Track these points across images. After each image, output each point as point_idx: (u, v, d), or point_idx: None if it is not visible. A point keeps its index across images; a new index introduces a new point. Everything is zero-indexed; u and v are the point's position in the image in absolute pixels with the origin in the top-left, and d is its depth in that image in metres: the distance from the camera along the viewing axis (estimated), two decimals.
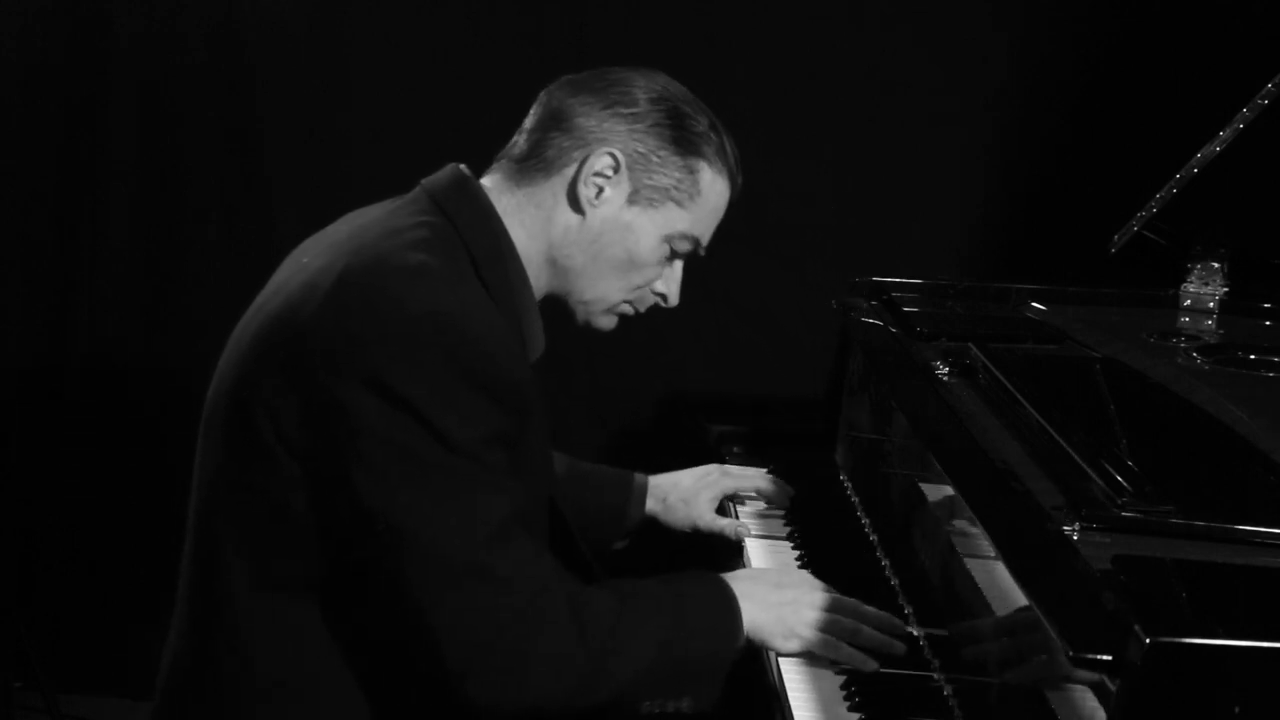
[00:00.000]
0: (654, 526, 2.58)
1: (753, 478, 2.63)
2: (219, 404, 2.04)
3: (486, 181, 2.13)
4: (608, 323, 2.17)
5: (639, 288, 2.14)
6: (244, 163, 3.72)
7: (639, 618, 1.98)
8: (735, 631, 2.05)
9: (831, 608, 2.11)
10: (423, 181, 2.12)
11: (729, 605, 2.06)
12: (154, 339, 3.79)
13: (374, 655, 1.98)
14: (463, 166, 2.12)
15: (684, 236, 2.13)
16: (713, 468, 2.62)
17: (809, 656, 2.13)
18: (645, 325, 3.55)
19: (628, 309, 2.17)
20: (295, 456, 1.92)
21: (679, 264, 2.17)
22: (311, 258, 2.05)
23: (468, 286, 1.98)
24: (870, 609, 2.15)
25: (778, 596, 2.11)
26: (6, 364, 3.80)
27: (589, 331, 2.22)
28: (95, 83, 3.69)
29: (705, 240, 2.16)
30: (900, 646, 2.11)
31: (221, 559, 2.00)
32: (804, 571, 2.29)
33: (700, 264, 3.18)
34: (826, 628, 2.10)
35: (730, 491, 2.59)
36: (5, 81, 3.69)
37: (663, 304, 2.18)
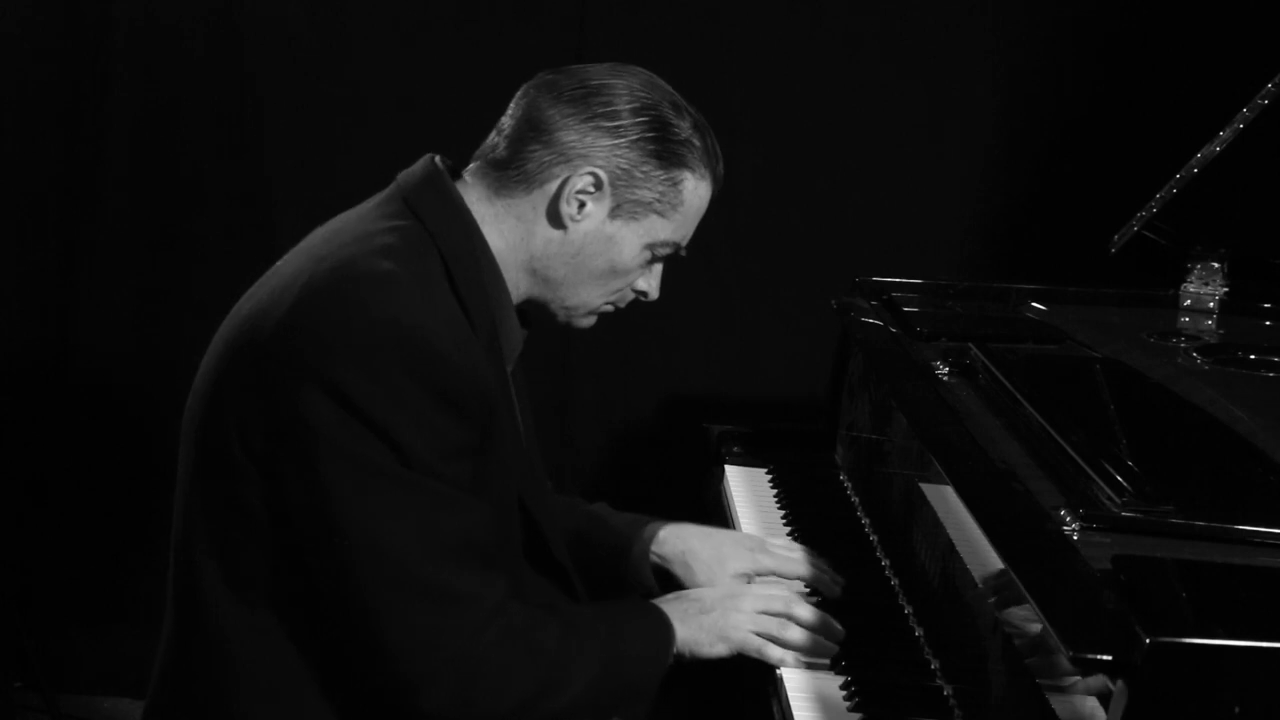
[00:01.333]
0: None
1: (795, 562, 2.34)
2: (194, 411, 2.04)
3: (465, 180, 2.10)
4: (588, 323, 2.16)
5: (619, 290, 2.13)
6: (244, 162, 3.72)
7: (581, 644, 1.99)
8: (667, 653, 2.08)
9: (758, 608, 2.13)
10: (399, 177, 2.10)
11: (664, 630, 2.08)
12: (153, 341, 3.79)
13: (343, 659, 1.98)
14: (438, 159, 2.10)
15: (665, 243, 2.10)
16: (753, 539, 2.41)
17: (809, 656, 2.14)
18: (645, 326, 3.58)
19: (609, 309, 2.16)
20: (257, 463, 1.92)
21: (660, 263, 2.15)
22: (284, 263, 2.05)
23: (436, 294, 1.96)
24: (805, 608, 2.15)
25: (700, 607, 2.13)
26: (6, 365, 3.80)
27: (580, 332, 2.22)
28: (95, 83, 3.69)
29: (685, 242, 2.14)
30: (831, 647, 2.13)
31: (197, 561, 2.01)
32: (735, 580, 2.30)
33: (700, 264, 3.18)
34: (752, 627, 2.11)
35: (768, 572, 2.33)
36: (4, 82, 3.69)
37: (643, 299, 2.16)
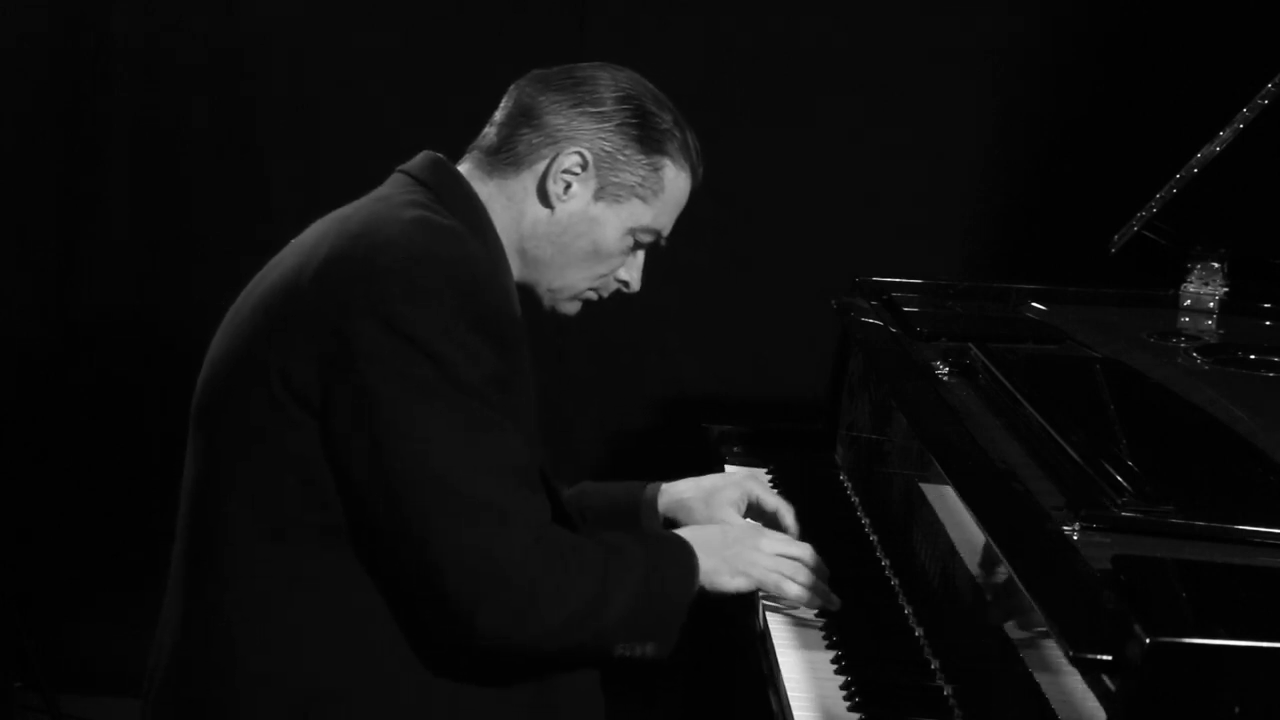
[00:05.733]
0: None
1: (779, 501, 2.45)
2: (218, 379, 2.08)
3: (460, 169, 2.19)
4: (572, 308, 2.25)
5: (603, 276, 2.21)
6: (243, 162, 3.72)
7: (621, 567, 2.04)
8: (694, 580, 2.13)
9: (776, 550, 2.22)
10: (399, 168, 2.20)
11: (689, 557, 2.14)
12: (153, 341, 3.79)
13: (388, 602, 2.02)
14: (438, 153, 2.19)
15: (647, 229, 2.19)
16: (736, 471, 2.56)
17: (807, 655, 2.15)
18: (646, 326, 3.58)
19: (592, 295, 2.24)
20: (309, 410, 1.97)
21: (641, 253, 2.24)
22: (303, 238, 2.13)
23: (466, 236, 2.06)
24: (817, 559, 2.24)
25: (723, 539, 2.20)
26: (6, 365, 3.80)
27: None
28: (95, 83, 3.69)
29: (666, 231, 2.24)
30: (835, 601, 2.23)
31: (228, 529, 2.03)
32: (751, 522, 2.39)
33: (701, 264, 3.17)
34: (770, 566, 2.19)
35: (754, 498, 2.46)
36: (4, 82, 3.69)
37: (625, 289, 2.26)
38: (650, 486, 2.47)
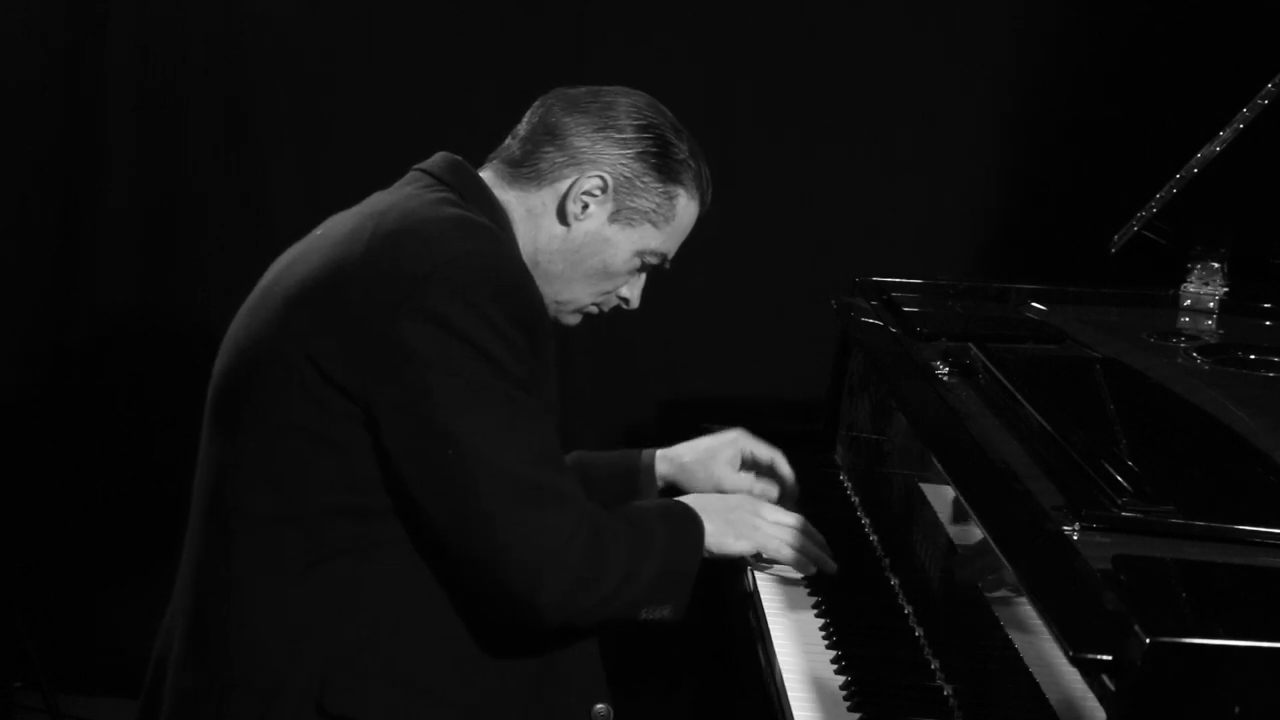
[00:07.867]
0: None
1: (772, 450, 2.58)
2: (241, 367, 2.11)
3: (481, 175, 2.24)
4: (574, 320, 2.33)
5: (606, 293, 2.30)
6: (244, 162, 3.72)
7: (645, 541, 2.14)
8: (702, 547, 2.24)
9: (774, 518, 2.34)
10: (415, 166, 2.25)
11: (697, 527, 2.24)
12: (153, 342, 3.79)
13: (408, 579, 2.07)
14: (455, 155, 2.24)
15: (654, 252, 2.28)
16: (732, 430, 2.61)
17: (808, 655, 2.15)
18: (646, 326, 3.57)
19: (593, 310, 2.33)
20: (349, 398, 2.02)
21: (644, 274, 2.32)
22: (326, 230, 2.17)
23: (498, 236, 2.13)
24: (812, 529, 2.36)
25: (723, 504, 2.32)
26: (6, 365, 3.80)
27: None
28: (95, 84, 3.69)
29: (671, 255, 2.32)
30: (832, 566, 2.35)
31: (245, 513, 2.06)
32: (746, 495, 2.46)
33: (701, 264, 3.17)
34: (771, 531, 2.32)
35: (748, 454, 2.57)
36: (5, 81, 3.69)
37: (624, 306, 2.34)
38: (646, 453, 2.57)
